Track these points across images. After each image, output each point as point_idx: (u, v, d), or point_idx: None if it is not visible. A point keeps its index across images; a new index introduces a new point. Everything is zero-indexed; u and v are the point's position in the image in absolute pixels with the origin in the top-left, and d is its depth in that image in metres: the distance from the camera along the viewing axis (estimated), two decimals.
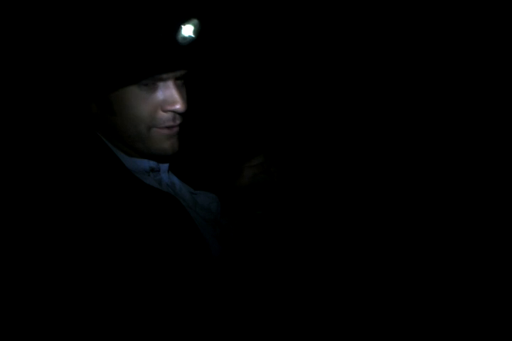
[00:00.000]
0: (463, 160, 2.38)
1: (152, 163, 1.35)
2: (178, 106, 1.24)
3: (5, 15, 1.39)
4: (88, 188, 1.20)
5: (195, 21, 1.22)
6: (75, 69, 1.20)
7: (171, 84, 1.24)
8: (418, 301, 2.01)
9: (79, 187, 1.20)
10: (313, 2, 2.26)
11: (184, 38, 1.23)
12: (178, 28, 1.19)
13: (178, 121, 1.28)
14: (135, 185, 1.28)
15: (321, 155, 2.44)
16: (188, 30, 1.23)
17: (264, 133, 2.32)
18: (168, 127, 1.27)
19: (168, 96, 1.23)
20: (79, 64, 1.20)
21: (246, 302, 1.36)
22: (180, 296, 1.20)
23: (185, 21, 1.19)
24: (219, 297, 1.27)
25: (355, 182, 2.41)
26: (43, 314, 1.13)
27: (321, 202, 2.27)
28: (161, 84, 1.23)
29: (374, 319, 1.89)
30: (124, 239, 1.17)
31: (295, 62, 2.38)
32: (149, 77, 1.21)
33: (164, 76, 1.23)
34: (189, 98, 1.33)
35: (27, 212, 1.15)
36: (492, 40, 2.30)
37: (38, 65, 1.28)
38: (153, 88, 1.23)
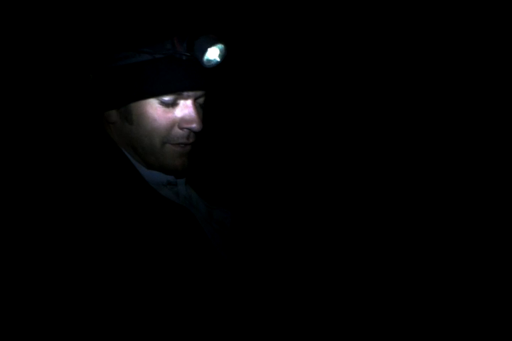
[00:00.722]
0: (463, 160, 2.39)
1: (170, 178, 1.39)
2: (195, 125, 1.29)
3: (44, 18, 1.43)
4: (103, 196, 1.23)
5: (222, 46, 1.28)
6: (107, 78, 1.25)
7: (190, 103, 1.29)
8: (418, 301, 2.04)
9: (93, 194, 1.22)
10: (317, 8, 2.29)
11: (209, 60, 1.29)
12: (205, 51, 1.24)
13: (191, 140, 1.32)
14: (149, 195, 1.31)
15: (321, 155, 2.44)
16: (213, 54, 1.29)
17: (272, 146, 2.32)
18: (181, 144, 1.31)
19: (187, 115, 1.28)
20: (111, 74, 1.25)
21: (252, 310, 1.39)
22: (190, 306, 1.22)
23: (212, 45, 1.25)
24: (228, 306, 1.30)
25: (356, 182, 2.41)
26: (44, 314, 1.15)
27: (322, 203, 2.27)
28: (181, 102, 1.29)
29: (374, 319, 1.90)
30: (132, 247, 1.20)
31: (301, 74, 2.40)
32: (172, 94, 1.25)
33: (186, 95, 1.28)
34: (205, 118, 1.38)
35: (40, 215, 1.18)
36: (492, 40, 2.30)
37: (67, 70, 1.32)
38: (174, 105, 1.28)
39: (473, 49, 2.35)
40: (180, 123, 1.29)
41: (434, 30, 2.36)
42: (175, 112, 1.29)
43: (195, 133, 1.33)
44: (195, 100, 1.31)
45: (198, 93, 1.31)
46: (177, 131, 1.29)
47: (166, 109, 1.28)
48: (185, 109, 1.29)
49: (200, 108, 1.36)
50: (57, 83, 1.44)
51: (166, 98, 1.27)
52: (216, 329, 1.28)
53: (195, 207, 1.40)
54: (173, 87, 1.26)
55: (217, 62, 1.31)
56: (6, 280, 1.15)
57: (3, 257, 1.17)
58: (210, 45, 1.25)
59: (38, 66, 1.52)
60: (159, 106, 1.27)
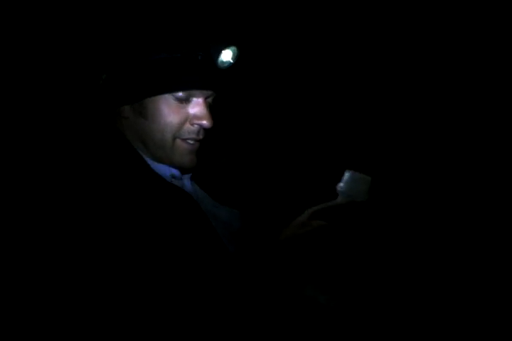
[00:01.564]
0: (463, 160, 2.31)
1: (174, 171, 1.41)
2: (205, 122, 1.34)
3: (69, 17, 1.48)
4: (113, 186, 1.25)
5: (235, 48, 1.34)
6: (123, 75, 1.30)
7: (201, 101, 1.36)
8: (418, 301, 2.00)
9: (104, 185, 1.24)
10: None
11: (223, 62, 1.35)
12: (220, 53, 1.30)
13: (201, 136, 1.37)
14: (158, 183, 1.34)
15: (326, 154, 2.43)
16: (227, 56, 1.35)
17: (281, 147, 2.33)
18: (191, 140, 1.36)
19: (198, 112, 1.34)
20: (128, 71, 1.30)
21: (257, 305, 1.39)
22: (194, 295, 1.24)
23: (225, 48, 1.31)
24: (232, 296, 1.31)
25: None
26: (45, 312, 1.13)
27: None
28: (194, 99, 1.35)
29: (374, 319, 1.87)
30: (142, 237, 1.21)
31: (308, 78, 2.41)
32: (186, 92, 1.31)
33: (198, 93, 1.34)
34: (214, 117, 1.44)
35: (51, 207, 1.20)
36: (492, 40, 2.25)
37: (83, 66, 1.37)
38: (186, 102, 1.34)
39: (473, 49, 2.32)
40: (192, 119, 1.33)
41: (434, 30, 2.35)
42: (187, 109, 1.34)
43: (205, 131, 1.38)
44: (205, 99, 1.37)
45: (210, 92, 1.38)
46: (188, 126, 1.34)
47: (180, 105, 1.34)
48: (197, 106, 1.35)
49: (211, 108, 1.41)
50: (71, 80, 1.48)
51: (180, 94, 1.34)
52: (219, 324, 1.28)
53: (201, 202, 1.44)
54: (188, 84, 1.33)
55: (230, 63, 1.38)
56: (7, 270, 1.16)
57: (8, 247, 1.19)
58: (225, 47, 1.32)
59: (51, 63, 1.56)
60: (173, 102, 1.33)
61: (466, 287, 2.04)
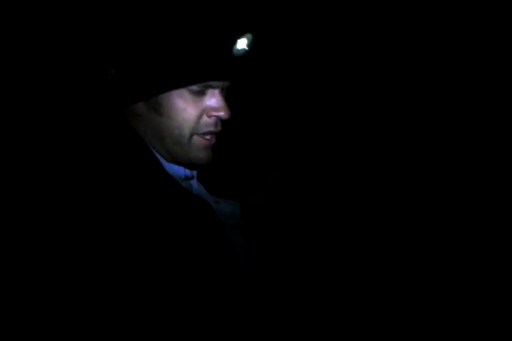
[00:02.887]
0: (463, 161, 2.35)
1: (188, 172, 1.40)
2: (223, 113, 1.31)
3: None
4: (124, 187, 1.24)
5: (250, 35, 1.30)
6: (135, 71, 1.27)
7: (217, 92, 1.32)
8: (418, 301, 2.01)
9: (115, 185, 1.23)
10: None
11: (238, 50, 1.31)
12: (234, 42, 1.26)
13: (219, 128, 1.34)
14: (173, 187, 1.32)
15: (323, 156, 2.44)
16: (242, 43, 1.31)
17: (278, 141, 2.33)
18: (208, 136, 1.32)
19: (215, 103, 1.31)
20: (140, 66, 1.26)
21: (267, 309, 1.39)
22: (206, 301, 1.21)
23: (240, 36, 1.26)
24: (245, 305, 1.30)
25: (356, 182, 2.41)
26: (45, 311, 1.13)
27: (323, 203, 2.28)
28: (209, 91, 1.31)
29: (374, 319, 1.86)
30: (152, 239, 1.19)
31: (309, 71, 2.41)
32: (201, 84, 1.27)
33: (214, 84, 1.29)
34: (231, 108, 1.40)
35: (61, 206, 1.19)
36: (492, 40, 2.27)
37: (92, 63, 1.33)
38: (202, 94, 1.30)
39: (473, 49, 2.34)
40: (209, 111, 1.30)
41: (434, 30, 2.36)
42: (203, 101, 1.31)
43: (222, 122, 1.34)
44: (222, 89, 1.33)
45: (226, 83, 1.33)
46: (206, 119, 1.31)
47: (195, 99, 1.30)
48: (213, 97, 1.31)
49: (225, 99, 1.37)
50: (80, 76, 1.45)
51: (195, 87, 1.29)
52: (226, 325, 1.24)
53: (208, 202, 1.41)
54: (202, 77, 1.29)
55: (246, 50, 1.33)
56: (8, 267, 1.15)
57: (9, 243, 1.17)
58: (240, 36, 1.27)
59: (62, 60, 1.53)
60: (188, 95, 1.29)
61: (465, 287, 2.08)
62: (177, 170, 1.37)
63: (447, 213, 2.29)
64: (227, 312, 1.23)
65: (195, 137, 1.31)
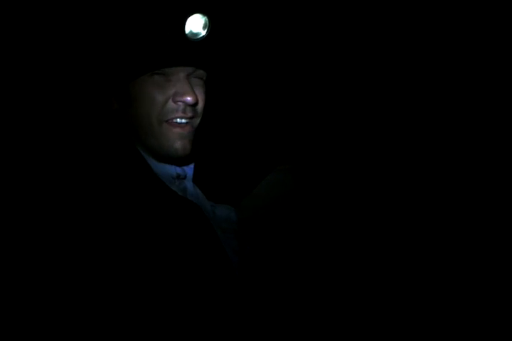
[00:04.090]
0: (463, 161, 2.32)
1: (179, 170, 1.37)
2: (188, 98, 1.29)
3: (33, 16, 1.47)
4: (112, 189, 1.23)
5: (201, 16, 1.27)
6: (92, 64, 1.28)
7: (183, 78, 1.30)
8: (418, 301, 2.00)
9: (103, 187, 1.22)
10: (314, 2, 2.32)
11: (193, 33, 1.28)
12: (184, 22, 1.24)
13: (189, 114, 1.31)
14: (160, 189, 1.29)
15: (324, 156, 2.44)
16: (196, 26, 1.28)
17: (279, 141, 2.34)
18: (178, 119, 1.29)
19: (179, 88, 1.29)
20: (96, 59, 1.28)
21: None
22: (197, 304, 1.19)
23: (188, 15, 1.24)
24: (236, 307, 1.26)
25: (358, 183, 2.39)
26: (45, 311, 1.14)
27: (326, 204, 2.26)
28: (174, 78, 1.29)
29: (374, 319, 1.86)
30: (140, 244, 1.18)
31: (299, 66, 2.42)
32: (161, 70, 1.28)
33: (176, 70, 1.27)
34: (209, 100, 1.37)
35: (48, 211, 1.18)
36: (492, 40, 2.30)
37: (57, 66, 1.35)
38: (167, 81, 1.28)
39: (473, 49, 2.30)
40: (174, 96, 1.30)
41: (434, 30, 2.32)
42: (168, 88, 1.30)
43: (193, 108, 1.31)
44: (188, 76, 1.30)
45: (189, 69, 1.31)
46: (171, 104, 1.30)
47: (161, 85, 1.29)
48: (177, 83, 1.30)
49: (201, 87, 1.35)
50: (63, 82, 1.48)
51: (157, 74, 1.28)
52: (220, 329, 1.22)
53: (202, 205, 1.38)
54: (160, 62, 1.27)
55: (204, 35, 1.30)
56: (6, 270, 1.15)
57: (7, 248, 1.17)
58: (188, 16, 1.25)
59: (43, 67, 1.56)
60: (152, 82, 1.29)
61: (465, 287, 2.05)
62: (168, 169, 1.35)
63: (447, 213, 2.24)
64: (215, 315, 1.21)
65: (164, 125, 1.30)
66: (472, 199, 2.23)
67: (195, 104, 1.31)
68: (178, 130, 1.30)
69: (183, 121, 1.31)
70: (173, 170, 1.36)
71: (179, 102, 1.29)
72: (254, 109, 2.27)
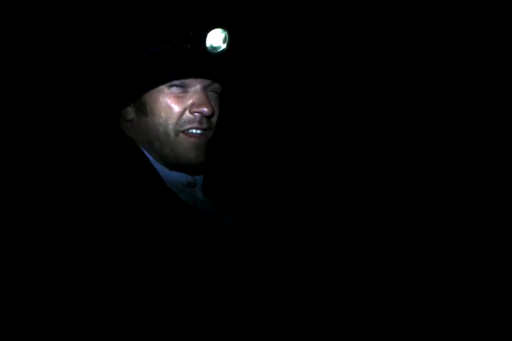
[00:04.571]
0: (463, 160, 2.36)
1: (190, 178, 1.39)
2: (205, 109, 1.32)
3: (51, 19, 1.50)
4: (119, 198, 1.24)
5: (224, 32, 1.30)
6: (113, 73, 1.31)
7: (200, 90, 1.33)
8: (418, 301, 2.01)
9: (110, 195, 1.23)
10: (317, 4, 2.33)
11: (213, 47, 1.31)
12: (205, 37, 1.27)
13: (204, 125, 1.34)
14: (168, 198, 1.30)
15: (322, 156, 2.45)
16: (217, 40, 1.31)
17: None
18: (194, 130, 1.32)
19: (196, 99, 1.32)
20: (117, 69, 1.30)
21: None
22: (204, 312, 1.21)
23: (210, 29, 1.28)
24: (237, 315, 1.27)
25: (355, 183, 2.40)
26: (44, 312, 1.14)
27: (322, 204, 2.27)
28: (191, 89, 1.33)
29: (374, 319, 1.87)
30: (145, 251, 1.19)
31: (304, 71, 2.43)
32: (180, 81, 1.31)
33: (194, 82, 1.31)
34: (223, 113, 1.40)
35: (53, 217, 1.20)
36: (492, 40, 2.25)
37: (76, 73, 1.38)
38: (184, 92, 1.32)
39: (473, 49, 2.33)
40: (191, 107, 1.33)
41: (434, 30, 2.35)
42: (185, 99, 1.33)
43: (208, 120, 1.34)
44: (205, 88, 1.34)
45: (207, 81, 1.35)
46: (188, 115, 1.33)
47: (177, 96, 1.33)
48: (194, 94, 1.33)
49: (215, 99, 1.38)
50: (72, 86, 1.50)
51: (176, 85, 1.32)
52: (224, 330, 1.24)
53: (211, 213, 1.38)
54: (180, 74, 1.31)
55: (224, 49, 1.33)
56: (7, 273, 1.17)
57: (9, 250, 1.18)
58: (210, 30, 1.28)
59: (51, 69, 1.58)
60: (170, 93, 1.32)
61: (465, 287, 2.08)
62: (178, 177, 1.37)
63: (447, 213, 2.28)
64: (223, 317, 1.24)
65: (181, 135, 1.34)
66: (472, 199, 2.25)
67: (210, 116, 1.34)
68: (193, 140, 1.33)
69: (198, 131, 1.34)
70: (184, 178, 1.38)
71: (196, 113, 1.32)
72: (260, 119, 2.29)
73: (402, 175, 2.37)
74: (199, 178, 1.42)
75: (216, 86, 1.38)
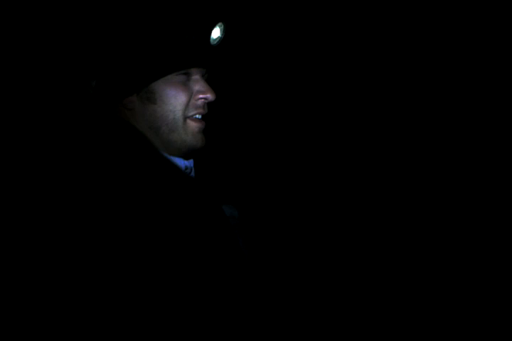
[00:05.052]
0: (463, 160, 2.38)
1: (187, 163, 1.50)
2: (209, 95, 1.46)
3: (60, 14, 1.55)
4: (132, 182, 1.30)
5: (221, 24, 1.46)
6: (124, 63, 1.42)
7: (199, 77, 1.47)
8: (418, 301, 2.02)
9: (122, 179, 1.29)
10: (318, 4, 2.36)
11: (213, 39, 1.47)
12: (210, 30, 1.42)
13: (206, 110, 1.48)
14: (180, 177, 1.42)
15: (322, 156, 2.43)
16: (216, 33, 1.47)
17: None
18: (198, 115, 1.46)
19: (201, 87, 1.46)
20: (126, 60, 1.42)
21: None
22: (212, 301, 1.25)
23: (215, 24, 1.43)
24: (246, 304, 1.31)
25: (355, 182, 2.38)
26: (45, 311, 1.16)
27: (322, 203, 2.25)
28: (192, 78, 1.46)
29: (374, 319, 1.86)
30: (163, 235, 1.25)
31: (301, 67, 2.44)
32: (186, 70, 1.44)
33: (195, 71, 1.46)
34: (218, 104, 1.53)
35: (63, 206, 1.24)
36: (492, 40, 2.32)
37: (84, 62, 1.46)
38: (187, 81, 1.45)
39: (473, 49, 2.39)
40: (196, 94, 1.45)
41: (434, 30, 2.41)
42: (190, 86, 1.46)
43: (208, 106, 1.48)
44: (202, 76, 1.48)
45: (203, 70, 1.49)
46: (194, 102, 1.45)
47: (183, 84, 1.45)
48: (197, 82, 1.46)
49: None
50: (71, 78, 1.58)
51: (182, 74, 1.44)
52: (231, 325, 1.27)
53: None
54: (187, 63, 1.44)
55: (221, 38, 1.49)
56: (6, 269, 1.18)
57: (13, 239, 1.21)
58: (216, 24, 1.43)
59: (46, 61, 1.64)
60: (177, 81, 1.44)
61: (465, 287, 2.12)
62: (178, 162, 1.47)
63: (447, 213, 2.33)
64: (231, 311, 1.28)
65: (188, 121, 1.44)
66: (472, 199, 2.30)
67: (210, 102, 1.48)
68: (199, 125, 1.47)
69: (200, 117, 1.48)
70: (182, 162, 1.49)
71: (200, 99, 1.46)
72: (249, 107, 2.32)
73: (402, 174, 2.40)
74: (192, 163, 1.53)
75: (207, 74, 1.51)
